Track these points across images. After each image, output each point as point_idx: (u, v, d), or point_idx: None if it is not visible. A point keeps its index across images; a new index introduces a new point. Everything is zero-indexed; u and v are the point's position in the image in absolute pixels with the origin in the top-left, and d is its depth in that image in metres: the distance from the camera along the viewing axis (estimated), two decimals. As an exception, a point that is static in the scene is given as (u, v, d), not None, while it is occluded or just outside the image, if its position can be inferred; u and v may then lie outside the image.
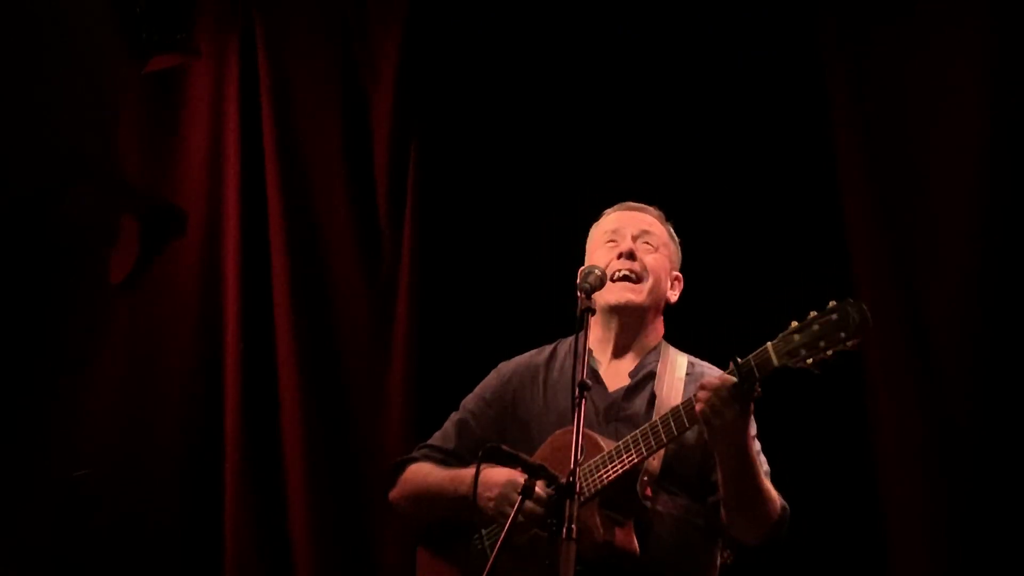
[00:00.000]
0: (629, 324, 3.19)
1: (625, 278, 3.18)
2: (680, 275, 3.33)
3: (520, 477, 2.91)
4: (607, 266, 3.17)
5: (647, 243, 3.25)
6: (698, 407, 2.79)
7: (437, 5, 4.68)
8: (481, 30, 4.63)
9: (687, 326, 3.31)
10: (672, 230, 3.36)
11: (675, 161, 4.40)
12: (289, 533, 4.56)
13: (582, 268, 3.20)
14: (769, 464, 3.07)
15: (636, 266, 3.18)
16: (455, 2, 4.68)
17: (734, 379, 2.76)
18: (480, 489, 2.98)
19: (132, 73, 4.40)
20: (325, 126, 4.77)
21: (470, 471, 3.08)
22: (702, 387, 2.80)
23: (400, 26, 4.67)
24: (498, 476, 2.98)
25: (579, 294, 2.98)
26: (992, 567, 3.86)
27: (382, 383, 4.59)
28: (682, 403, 2.87)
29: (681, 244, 3.41)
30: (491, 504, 2.98)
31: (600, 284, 3.02)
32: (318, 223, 4.73)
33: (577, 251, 3.41)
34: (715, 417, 2.76)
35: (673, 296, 3.30)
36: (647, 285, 3.19)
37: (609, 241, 3.26)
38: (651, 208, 3.36)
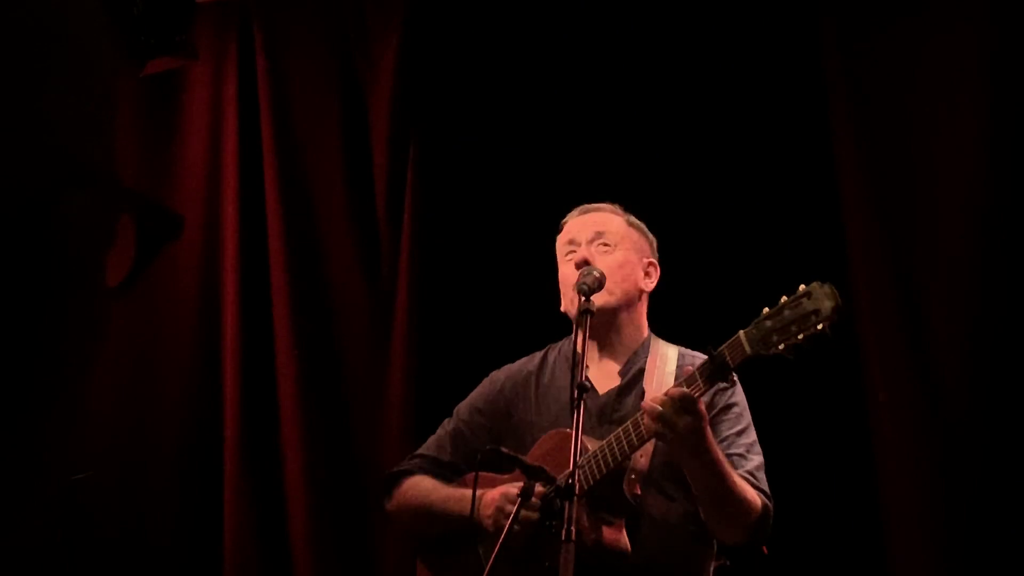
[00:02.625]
0: (603, 326, 3.14)
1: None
2: (655, 262, 3.27)
3: (513, 488, 2.91)
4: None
5: (603, 244, 3.19)
6: (644, 420, 2.78)
7: (436, 6, 4.68)
8: (480, 31, 4.63)
9: (687, 329, 3.30)
10: (634, 219, 3.30)
11: (675, 161, 4.39)
12: (288, 535, 4.56)
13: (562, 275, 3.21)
14: (768, 465, 3.05)
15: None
16: (454, 3, 4.68)
17: (683, 391, 2.74)
18: (479, 508, 3.00)
19: (130, 75, 4.40)
20: (324, 127, 4.77)
21: (470, 491, 3.08)
22: (643, 407, 2.79)
23: (399, 27, 4.67)
24: (493, 494, 2.98)
25: (579, 296, 2.97)
26: (992, 567, 3.86)
27: (381, 384, 4.59)
28: (639, 414, 2.85)
29: (674, 239, 3.37)
30: (489, 521, 2.98)
31: (599, 286, 3.01)
32: (317, 225, 4.73)
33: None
34: (667, 430, 2.74)
35: (648, 284, 3.24)
36: (607, 287, 3.13)
37: (568, 253, 3.22)
38: (605, 204, 3.30)
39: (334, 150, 4.74)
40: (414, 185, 4.61)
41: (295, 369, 4.61)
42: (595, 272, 3.03)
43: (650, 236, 3.30)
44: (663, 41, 4.45)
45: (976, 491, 3.90)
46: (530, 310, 3.60)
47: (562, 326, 3.28)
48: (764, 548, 3.72)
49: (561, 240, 3.28)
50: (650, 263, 3.25)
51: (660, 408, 2.73)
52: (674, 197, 4.27)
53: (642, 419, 2.81)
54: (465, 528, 3.05)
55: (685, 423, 2.73)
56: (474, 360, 3.51)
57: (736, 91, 4.38)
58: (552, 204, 3.36)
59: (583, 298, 2.96)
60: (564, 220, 3.32)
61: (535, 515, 2.81)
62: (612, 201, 3.34)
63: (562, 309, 3.22)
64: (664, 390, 3.00)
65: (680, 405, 2.72)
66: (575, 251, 3.20)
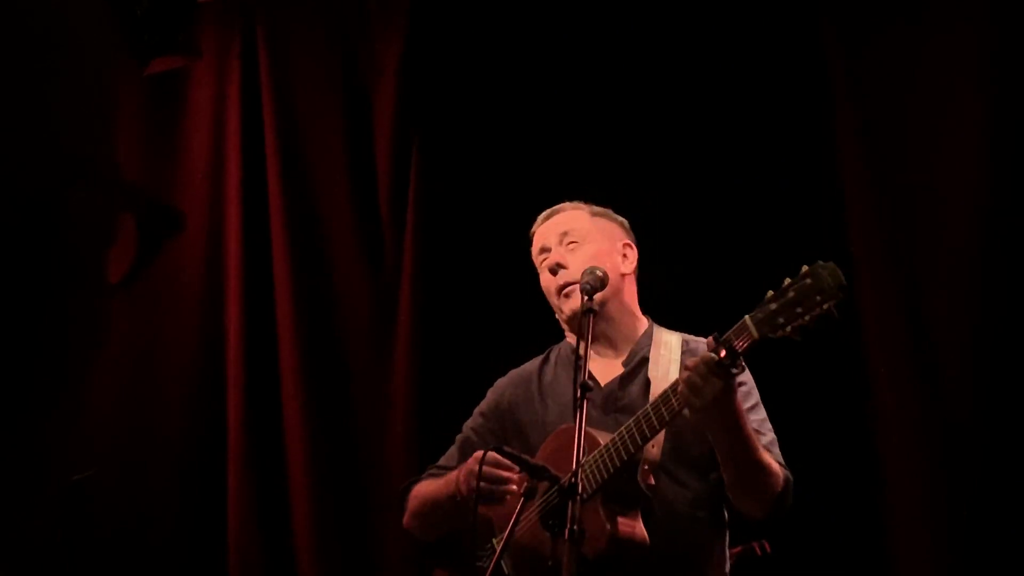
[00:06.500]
0: (596, 320, 3.13)
1: (565, 288, 3.13)
2: (630, 243, 3.24)
3: (481, 452, 2.91)
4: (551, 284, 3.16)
5: (571, 242, 3.18)
6: (679, 388, 2.76)
7: (439, 6, 4.68)
8: (483, 29, 4.63)
9: (688, 328, 3.29)
10: (597, 208, 3.27)
11: (676, 161, 4.39)
12: (292, 533, 4.56)
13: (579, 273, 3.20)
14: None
15: (568, 275, 3.14)
16: (457, 4, 4.69)
17: (712, 356, 2.72)
18: (460, 479, 3.01)
19: (133, 75, 4.40)
20: (327, 126, 4.77)
21: (456, 472, 3.08)
22: (683, 368, 2.78)
23: (402, 27, 4.67)
24: (469, 460, 2.98)
25: (581, 295, 2.97)
26: (993, 566, 3.86)
27: (385, 381, 4.59)
28: (669, 387, 2.84)
29: (677, 241, 3.37)
30: (464, 486, 2.98)
31: (602, 284, 3.01)
32: (320, 224, 4.73)
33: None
34: (697, 397, 2.73)
35: (628, 266, 3.21)
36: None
37: (543, 261, 3.22)
38: (565, 203, 3.29)
39: (337, 147, 4.74)
40: (417, 182, 4.61)
41: (298, 366, 4.61)
42: (598, 271, 3.02)
43: (618, 218, 3.28)
44: (666, 42, 4.44)
45: (978, 491, 3.90)
46: (532, 306, 3.59)
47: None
48: (768, 546, 3.73)
49: (534, 251, 3.29)
50: (625, 245, 3.23)
51: (689, 373, 2.72)
52: (676, 198, 4.26)
53: (652, 409, 2.81)
54: (457, 510, 3.05)
55: (714, 387, 2.71)
56: (477, 356, 3.51)
57: (739, 91, 4.38)
58: (553, 202, 3.35)
59: (586, 297, 2.96)
60: (532, 231, 3.32)
61: (503, 473, 2.84)
62: (616, 198, 3.34)
63: (556, 316, 3.23)
64: (669, 377, 2.98)
65: (708, 371, 2.71)
66: (547, 257, 3.20)
